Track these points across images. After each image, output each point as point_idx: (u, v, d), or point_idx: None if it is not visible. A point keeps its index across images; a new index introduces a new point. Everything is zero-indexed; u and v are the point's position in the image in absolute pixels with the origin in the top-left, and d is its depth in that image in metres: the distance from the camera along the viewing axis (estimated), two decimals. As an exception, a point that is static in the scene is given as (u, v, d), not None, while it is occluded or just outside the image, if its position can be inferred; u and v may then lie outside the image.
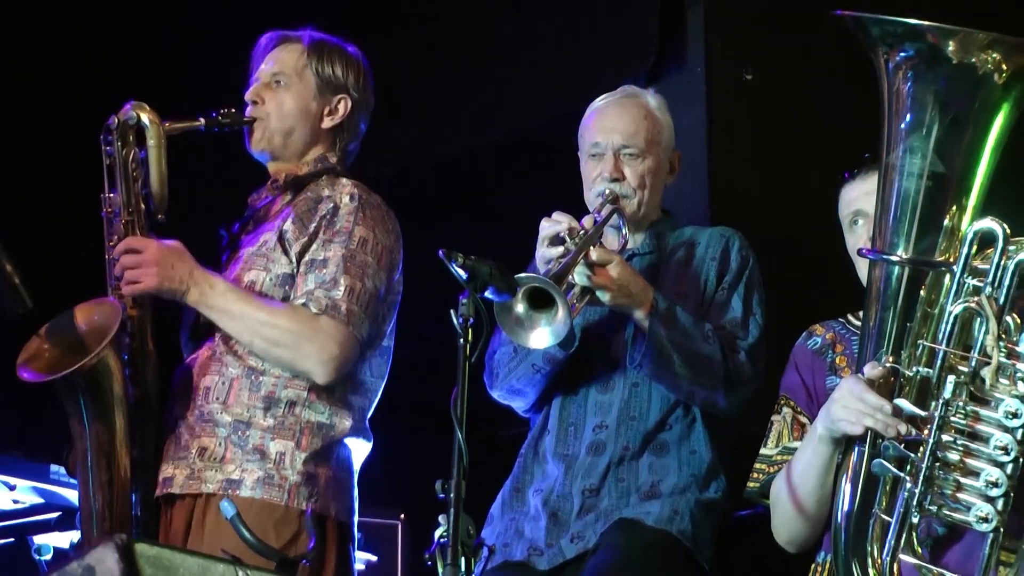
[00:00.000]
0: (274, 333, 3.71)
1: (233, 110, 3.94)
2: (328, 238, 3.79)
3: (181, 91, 5.49)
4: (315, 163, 3.96)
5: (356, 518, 3.83)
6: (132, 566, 2.35)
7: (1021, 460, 2.80)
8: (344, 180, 3.90)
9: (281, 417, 3.72)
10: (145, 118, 3.80)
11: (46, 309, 3.75)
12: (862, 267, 3.20)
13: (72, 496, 4.12)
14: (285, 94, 3.96)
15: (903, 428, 2.86)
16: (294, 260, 3.80)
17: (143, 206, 3.80)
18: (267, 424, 3.71)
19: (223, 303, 3.74)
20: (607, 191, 4.04)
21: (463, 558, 3.04)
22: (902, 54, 2.88)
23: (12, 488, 4.28)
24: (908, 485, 2.87)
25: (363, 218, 3.82)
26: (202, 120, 3.89)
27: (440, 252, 3.26)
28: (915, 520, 2.88)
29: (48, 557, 4.37)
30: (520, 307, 3.65)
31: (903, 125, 2.89)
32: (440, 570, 3.07)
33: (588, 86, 4.68)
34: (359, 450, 3.85)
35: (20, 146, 5.63)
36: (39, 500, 4.40)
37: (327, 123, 3.99)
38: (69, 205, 4.16)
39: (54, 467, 4.38)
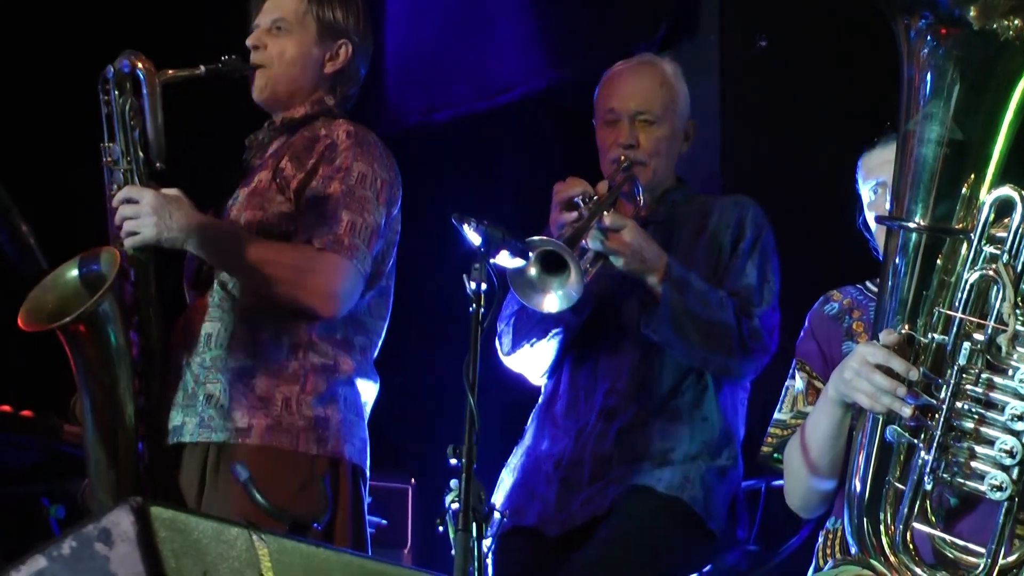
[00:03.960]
0: (276, 270, 3.70)
1: (234, 57, 3.93)
2: (327, 174, 3.78)
3: (182, 39, 5.47)
4: (312, 105, 3.96)
5: (368, 459, 3.83)
6: (147, 529, 2.35)
7: (1037, 429, 2.79)
8: (340, 120, 3.90)
9: (284, 362, 3.72)
10: (140, 66, 3.79)
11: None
12: (880, 235, 3.19)
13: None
14: (287, 40, 3.94)
15: (909, 411, 2.85)
16: (292, 198, 3.79)
17: (141, 154, 3.78)
18: (271, 369, 3.71)
19: (223, 246, 3.73)
20: (622, 157, 4.03)
21: (474, 523, 3.05)
22: (922, 20, 2.85)
23: (27, 448, 4.28)
24: (922, 453, 2.85)
25: (361, 153, 3.81)
26: (203, 68, 3.87)
27: (453, 217, 3.26)
28: (928, 488, 2.87)
29: (61, 518, 4.39)
30: (533, 271, 3.65)
31: (922, 92, 2.87)
32: (452, 535, 3.08)
33: (599, 52, 4.66)
34: (367, 391, 3.85)
35: (25, 103, 5.62)
36: (52, 460, 4.41)
37: (329, 68, 3.97)
38: (77, 157, 4.14)
39: (67, 427, 4.38)
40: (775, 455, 3.34)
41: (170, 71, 3.81)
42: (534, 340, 3.99)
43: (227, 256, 3.73)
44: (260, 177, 3.85)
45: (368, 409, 3.86)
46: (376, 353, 3.91)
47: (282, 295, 3.71)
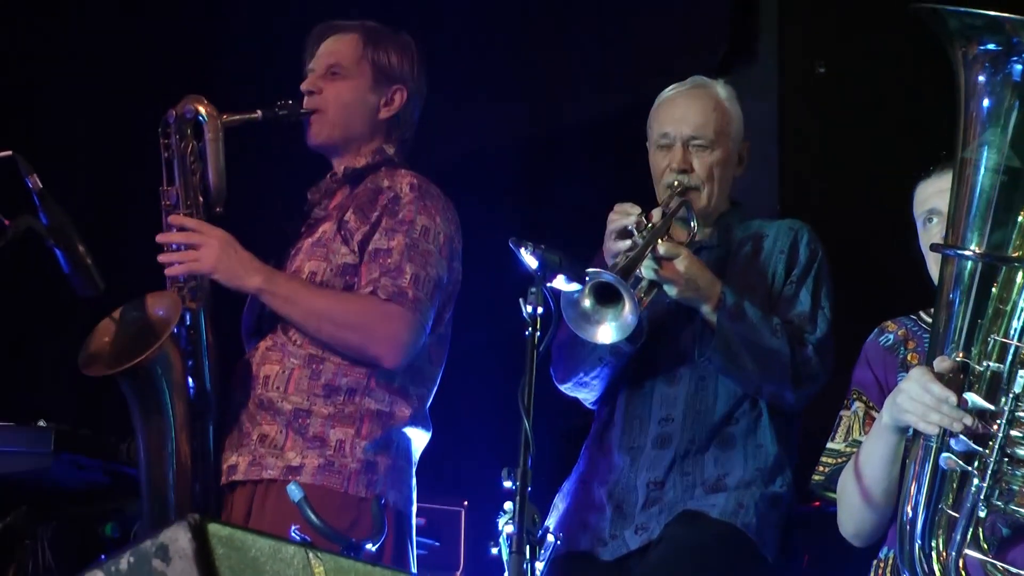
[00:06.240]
0: (344, 317, 3.73)
1: (291, 102, 3.94)
2: (390, 227, 3.80)
3: (237, 83, 5.52)
4: (373, 155, 3.97)
5: (415, 507, 3.85)
6: (205, 546, 2.38)
7: (1093, 458, 2.78)
8: (402, 171, 3.92)
9: (341, 405, 3.75)
10: (202, 111, 3.82)
11: (117, 290, 3.79)
12: (934, 264, 3.17)
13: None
14: (342, 85, 3.96)
15: (969, 421, 2.83)
16: (355, 250, 3.81)
17: (201, 199, 3.83)
18: (327, 412, 3.74)
19: (288, 290, 3.76)
20: (675, 183, 4.02)
21: (528, 546, 3.06)
22: (980, 47, 2.84)
23: (82, 467, 4.31)
24: (976, 480, 2.84)
25: (424, 207, 3.83)
26: (260, 112, 3.90)
27: (510, 241, 3.28)
28: (982, 515, 2.86)
29: (115, 537, 4.41)
30: (587, 302, 3.65)
31: (979, 119, 2.86)
32: (505, 558, 3.09)
33: (657, 76, 4.66)
34: (418, 439, 3.87)
35: (92, 134, 5.68)
36: (107, 479, 4.43)
37: (384, 114, 3.99)
38: (138, 189, 4.19)
39: (123, 446, 4.41)
40: (826, 484, 3.33)
41: (225, 116, 3.85)
42: (587, 369, 3.98)
43: (292, 302, 3.75)
44: (324, 228, 3.87)
45: (418, 456, 3.88)
46: (431, 400, 3.93)
47: (347, 342, 3.74)
